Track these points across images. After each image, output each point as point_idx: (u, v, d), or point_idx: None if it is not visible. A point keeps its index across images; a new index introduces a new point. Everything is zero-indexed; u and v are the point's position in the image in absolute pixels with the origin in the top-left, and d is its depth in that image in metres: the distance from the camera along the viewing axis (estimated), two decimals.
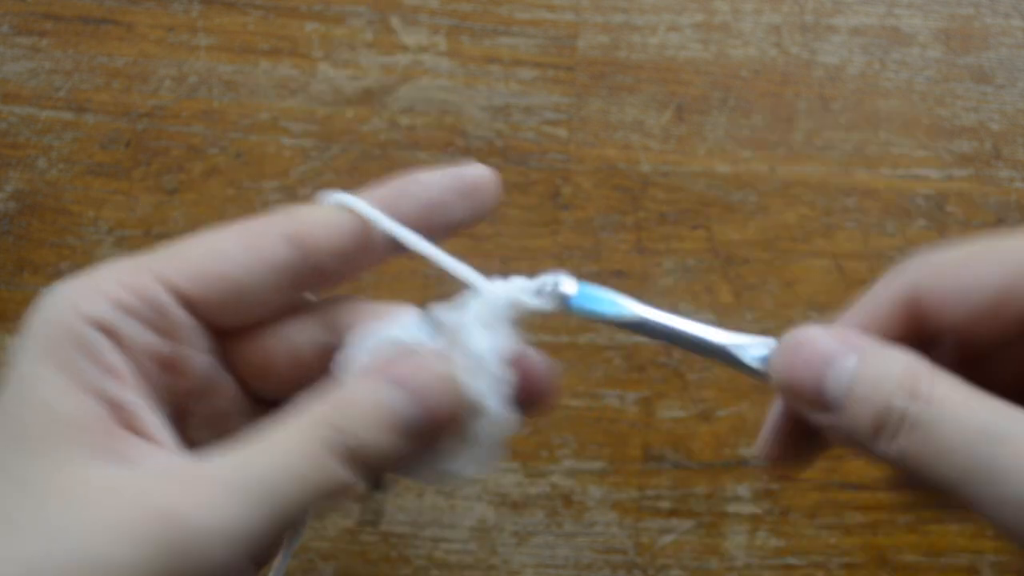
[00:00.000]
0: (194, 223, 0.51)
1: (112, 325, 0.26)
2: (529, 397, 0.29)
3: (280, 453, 0.25)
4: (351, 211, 0.29)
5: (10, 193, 0.52)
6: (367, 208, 0.29)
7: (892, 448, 0.25)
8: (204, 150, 0.52)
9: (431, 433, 0.27)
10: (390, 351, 0.28)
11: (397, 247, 0.29)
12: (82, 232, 0.52)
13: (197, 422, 0.29)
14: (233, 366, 0.30)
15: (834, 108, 0.53)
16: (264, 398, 0.30)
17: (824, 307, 0.52)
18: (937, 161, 0.52)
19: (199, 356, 0.28)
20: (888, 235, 0.52)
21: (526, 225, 0.51)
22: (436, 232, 0.30)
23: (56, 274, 0.51)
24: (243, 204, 0.51)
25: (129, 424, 0.26)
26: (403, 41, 0.53)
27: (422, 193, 0.29)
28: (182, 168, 0.52)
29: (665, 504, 0.51)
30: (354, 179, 0.51)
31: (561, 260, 0.50)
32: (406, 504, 0.51)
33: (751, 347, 0.28)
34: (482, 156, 0.52)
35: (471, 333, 0.28)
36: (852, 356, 0.25)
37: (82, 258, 0.51)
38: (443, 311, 0.29)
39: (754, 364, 0.27)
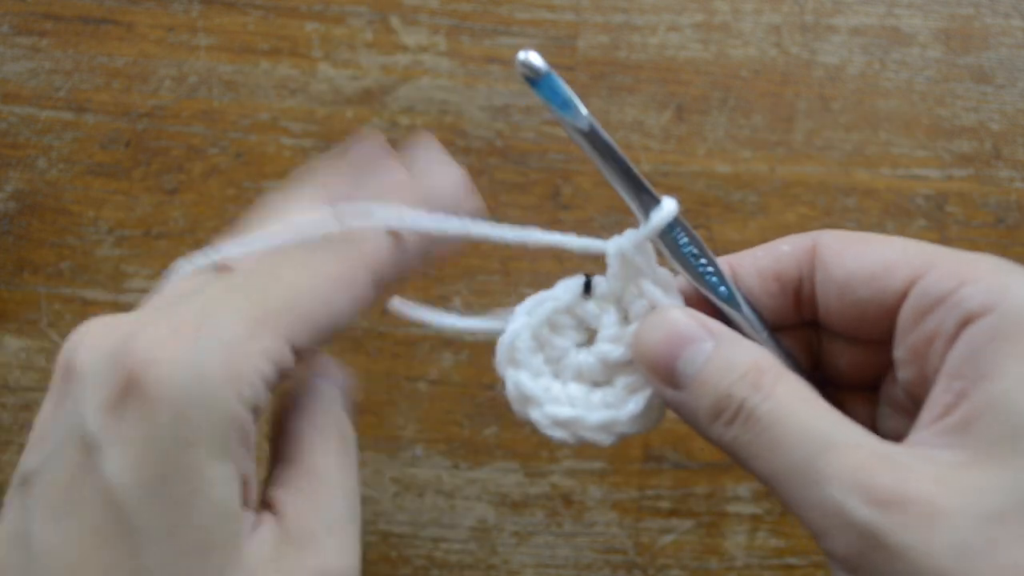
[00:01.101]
0: (194, 223, 0.51)
1: (262, 406, 0.25)
2: None
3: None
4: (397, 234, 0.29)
5: (10, 193, 0.52)
6: (430, 223, 0.29)
7: (726, 434, 0.26)
8: (204, 150, 0.52)
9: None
10: (536, 331, 0.30)
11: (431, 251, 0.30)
12: (82, 232, 0.52)
13: None
14: None
15: (834, 108, 0.53)
16: None
17: None
18: (937, 161, 0.52)
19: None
20: (888, 235, 0.52)
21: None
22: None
23: (56, 274, 0.51)
24: (243, 204, 0.51)
25: (247, 497, 0.26)
26: (403, 41, 0.53)
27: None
28: (182, 168, 0.52)
29: (665, 504, 0.51)
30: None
31: (561, 260, 0.50)
32: (406, 504, 0.51)
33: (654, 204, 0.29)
34: (482, 156, 0.52)
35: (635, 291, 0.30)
36: (709, 341, 0.27)
37: (82, 258, 0.51)
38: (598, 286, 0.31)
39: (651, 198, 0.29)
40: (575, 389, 0.31)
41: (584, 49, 0.52)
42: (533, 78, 0.28)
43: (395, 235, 0.29)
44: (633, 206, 0.29)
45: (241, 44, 0.52)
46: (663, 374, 0.27)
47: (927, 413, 0.26)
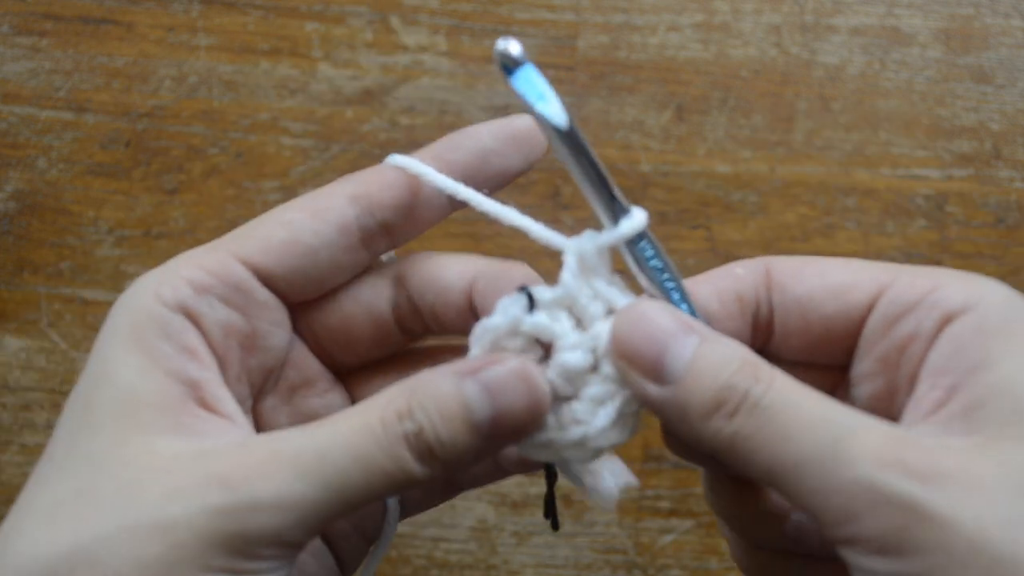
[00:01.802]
0: (194, 223, 0.51)
1: (192, 307, 0.27)
2: None
3: (348, 434, 0.25)
4: (407, 170, 0.30)
5: (10, 193, 0.52)
6: (419, 165, 0.29)
7: (726, 428, 0.25)
8: (204, 150, 0.52)
9: (508, 434, 0.26)
10: (489, 344, 0.28)
11: (456, 201, 0.30)
12: (82, 232, 0.52)
13: (275, 399, 0.30)
14: (312, 338, 0.31)
15: (834, 108, 0.53)
16: (343, 368, 0.31)
17: None
18: (937, 161, 0.52)
19: (277, 331, 0.29)
20: (888, 235, 0.52)
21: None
22: (490, 181, 0.31)
23: (56, 274, 0.51)
24: (243, 204, 0.51)
25: (204, 402, 0.27)
26: (403, 41, 0.53)
27: (472, 144, 0.31)
28: (182, 168, 0.52)
29: (665, 504, 0.51)
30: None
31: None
32: None
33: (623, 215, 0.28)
34: None
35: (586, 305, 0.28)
36: (694, 336, 0.26)
37: (82, 258, 0.51)
38: (539, 292, 0.29)
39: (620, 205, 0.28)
40: None
41: (584, 49, 0.52)
42: (510, 67, 0.26)
43: (410, 180, 0.30)
44: (600, 210, 0.28)
45: (241, 44, 0.52)
46: (648, 370, 0.26)
47: (913, 412, 0.26)
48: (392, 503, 0.32)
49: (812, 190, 0.52)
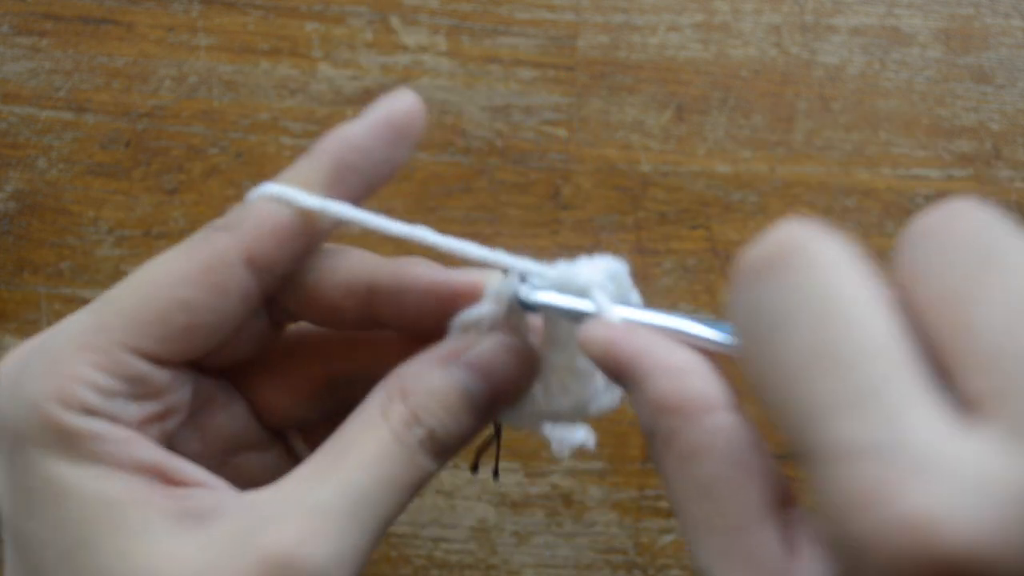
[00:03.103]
0: (194, 223, 0.51)
1: (98, 408, 0.24)
2: None
3: (376, 464, 0.24)
4: (290, 203, 0.27)
5: (10, 193, 0.52)
6: (305, 197, 0.27)
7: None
8: (204, 150, 0.52)
9: (504, 405, 0.27)
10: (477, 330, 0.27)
11: (342, 223, 0.28)
12: (82, 232, 0.52)
13: (185, 432, 0.28)
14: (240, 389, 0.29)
15: (834, 108, 0.53)
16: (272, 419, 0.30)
17: None
18: (937, 161, 0.52)
19: (182, 391, 0.27)
20: (888, 235, 0.52)
21: (526, 225, 0.51)
22: (377, 182, 0.28)
23: (56, 274, 0.51)
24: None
25: (172, 479, 0.25)
26: (403, 41, 0.53)
27: (361, 162, 0.28)
28: (182, 168, 0.52)
29: (665, 504, 0.51)
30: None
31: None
32: None
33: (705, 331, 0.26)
34: (482, 156, 0.52)
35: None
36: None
37: (82, 258, 0.51)
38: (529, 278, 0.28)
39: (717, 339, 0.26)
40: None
41: (584, 49, 0.52)
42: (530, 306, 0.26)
43: (298, 221, 0.27)
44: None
45: (241, 44, 0.52)
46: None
47: None
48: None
49: (812, 190, 0.52)
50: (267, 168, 0.51)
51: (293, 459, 0.30)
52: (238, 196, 0.53)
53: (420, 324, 0.28)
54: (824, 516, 0.17)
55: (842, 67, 0.53)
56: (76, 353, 0.25)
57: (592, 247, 0.52)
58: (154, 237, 0.51)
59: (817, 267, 0.20)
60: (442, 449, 0.25)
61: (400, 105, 0.28)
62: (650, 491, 0.51)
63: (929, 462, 0.16)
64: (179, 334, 0.25)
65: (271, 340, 0.29)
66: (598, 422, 0.30)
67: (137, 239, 0.51)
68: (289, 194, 0.27)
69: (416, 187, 0.52)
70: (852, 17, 0.53)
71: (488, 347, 0.26)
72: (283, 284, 0.27)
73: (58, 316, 0.51)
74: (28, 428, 0.24)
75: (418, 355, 0.27)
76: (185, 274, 0.25)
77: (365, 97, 0.52)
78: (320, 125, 0.52)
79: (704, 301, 0.52)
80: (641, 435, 0.51)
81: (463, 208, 0.52)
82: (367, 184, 0.28)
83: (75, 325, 0.25)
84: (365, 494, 0.24)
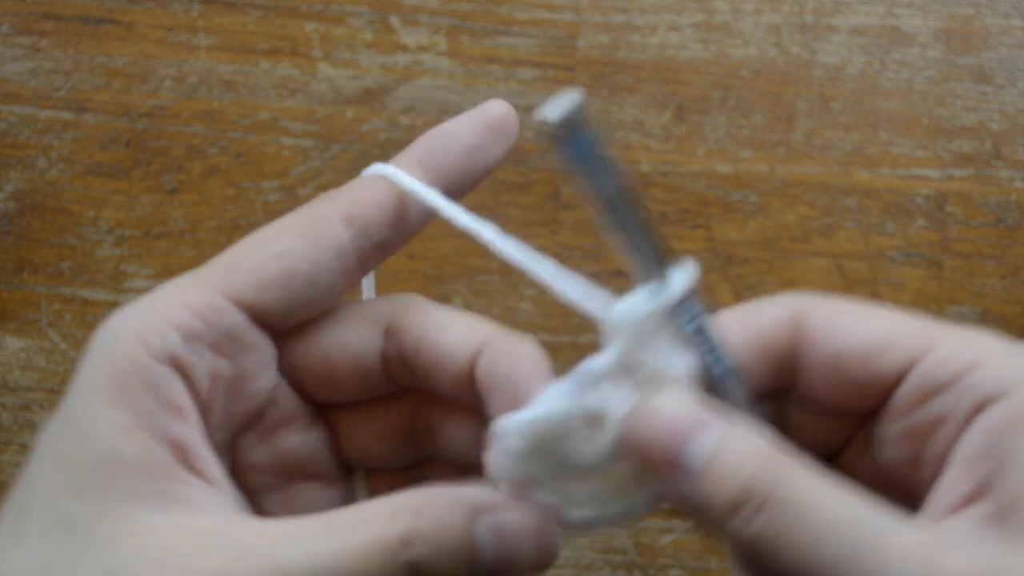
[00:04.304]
0: (194, 223, 0.51)
1: (181, 358, 0.25)
2: None
3: (350, 557, 0.24)
4: (392, 182, 0.28)
5: (10, 193, 0.52)
6: (406, 179, 0.28)
7: (750, 526, 0.24)
8: (204, 150, 0.52)
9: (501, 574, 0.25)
10: (541, 436, 0.26)
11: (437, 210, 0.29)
12: (82, 232, 0.52)
13: (253, 437, 0.29)
14: (293, 374, 0.29)
15: (834, 108, 0.53)
16: (325, 404, 0.30)
17: None
18: (937, 161, 0.52)
19: (264, 373, 0.28)
20: (888, 235, 0.52)
21: (526, 225, 0.51)
22: (475, 178, 0.29)
23: (56, 274, 0.51)
24: (243, 204, 0.51)
25: (189, 465, 0.25)
26: (403, 41, 0.53)
27: (457, 145, 0.29)
28: (182, 168, 0.52)
29: (665, 504, 0.51)
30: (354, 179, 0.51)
31: (561, 260, 0.50)
32: None
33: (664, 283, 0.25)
34: None
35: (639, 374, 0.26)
36: (711, 433, 0.25)
37: (82, 258, 0.51)
38: (592, 365, 0.26)
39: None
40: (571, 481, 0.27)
41: (584, 49, 0.52)
42: (561, 136, 0.23)
43: (399, 197, 0.28)
44: (643, 268, 0.25)
45: (241, 44, 0.52)
46: (667, 471, 0.25)
47: (943, 500, 0.25)
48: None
49: (812, 190, 0.52)
50: (267, 168, 0.51)
51: (350, 502, 0.29)
52: (238, 196, 0.53)
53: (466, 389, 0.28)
54: None
55: (842, 67, 0.53)
56: (174, 293, 0.26)
57: (592, 247, 0.52)
58: (154, 237, 0.51)
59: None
60: None
61: (494, 108, 0.29)
62: None
63: None
64: (275, 281, 0.26)
65: (386, 392, 0.30)
66: None
67: (137, 239, 0.51)
68: (387, 171, 0.28)
69: None
70: (852, 17, 0.53)
71: (519, 519, 0.25)
72: (380, 253, 0.28)
73: (58, 316, 0.51)
74: (100, 362, 0.25)
75: (456, 483, 0.26)
76: (283, 227, 0.27)
77: (365, 97, 0.52)
78: (320, 125, 0.52)
79: (704, 301, 0.51)
80: None
81: (463, 208, 0.52)
82: (463, 170, 0.29)
83: (183, 277, 0.27)
84: (318, 572, 0.23)
